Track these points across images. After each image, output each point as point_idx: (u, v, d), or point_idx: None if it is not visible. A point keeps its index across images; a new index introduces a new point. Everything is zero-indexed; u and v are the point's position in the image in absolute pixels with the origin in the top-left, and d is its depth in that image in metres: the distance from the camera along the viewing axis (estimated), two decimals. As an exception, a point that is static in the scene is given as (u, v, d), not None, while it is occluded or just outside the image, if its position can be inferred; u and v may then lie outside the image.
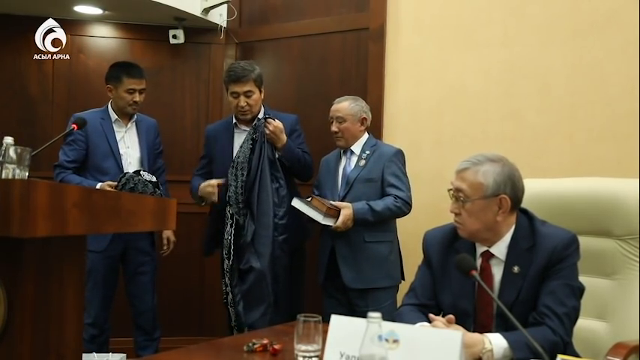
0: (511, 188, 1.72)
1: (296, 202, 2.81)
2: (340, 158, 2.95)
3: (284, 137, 2.91)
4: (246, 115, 2.97)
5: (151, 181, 2.89)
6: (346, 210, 2.71)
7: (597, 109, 2.77)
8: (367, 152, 2.86)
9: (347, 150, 2.91)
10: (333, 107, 2.92)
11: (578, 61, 2.82)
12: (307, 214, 2.76)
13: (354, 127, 2.87)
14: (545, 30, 2.91)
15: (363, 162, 2.84)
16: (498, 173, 1.71)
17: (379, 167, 2.80)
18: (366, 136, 2.93)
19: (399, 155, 2.86)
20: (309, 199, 2.82)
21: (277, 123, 2.88)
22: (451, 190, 1.78)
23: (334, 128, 2.88)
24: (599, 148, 2.75)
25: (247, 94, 2.93)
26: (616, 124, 2.71)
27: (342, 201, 2.79)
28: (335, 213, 2.72)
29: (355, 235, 2.76)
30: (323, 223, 2.72)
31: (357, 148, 2.89)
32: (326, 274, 2.90)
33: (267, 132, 2.86)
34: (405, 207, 2.77)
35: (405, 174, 2.84)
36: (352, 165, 2.88)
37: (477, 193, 1.71)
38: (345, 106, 2.89)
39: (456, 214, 1.76)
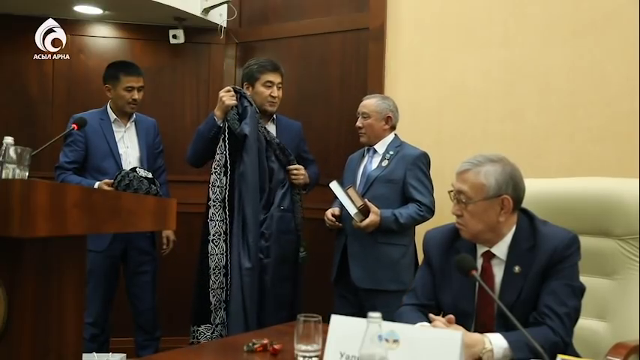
0: (513, 188, 1.72)
1: (334, 186, 2.78)
2: (363, 156, 2.95)
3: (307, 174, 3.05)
4: (274, 106, 3.00)
5: (146, 177, 2.89)
6: (374, 217, 2.69)
7: (597, 109, 2.76)
8: (391, 152, 2.85)
9: (370, 148, 2.92)
10: (361, 103, 2.95)
11: (578, 61, 2.82)
12: (341, 200, 2.74)
13: (377, 125, 2.87)
14: (545, 30, 2.91)
15: (385, 162, 2.83)
16: (500, 173, 1.71)
17: (401, 169, 2.79)
18: (391, 136, 2.91)
19: (422, 158, 2.83)
20: (346, 187, 2.78)
21: (300, 170, 3.00)
22: (452, 191, 1.78)
23: (358, 123, 2.90)
24: (599, 148, 2.74)
25: (279, 86, 3.00)
26: (616, 124, 2.71)
27: None
28: (366, 212, 2.71)
29: (368, 234, 2.75)
30: (353, 215, 2.71)
31: (380, 147, 2.89)
32: (338, 272, 2.90)
33: (300, 182, 2.98)
34: (428, 214, 2.76)
35: (428, 178, 2.82)
36: (374, 164, 2.87)
37: (479, 195, 1.71)
38: (372, 102, 2.91)
39: (458, 216, 1.76)
